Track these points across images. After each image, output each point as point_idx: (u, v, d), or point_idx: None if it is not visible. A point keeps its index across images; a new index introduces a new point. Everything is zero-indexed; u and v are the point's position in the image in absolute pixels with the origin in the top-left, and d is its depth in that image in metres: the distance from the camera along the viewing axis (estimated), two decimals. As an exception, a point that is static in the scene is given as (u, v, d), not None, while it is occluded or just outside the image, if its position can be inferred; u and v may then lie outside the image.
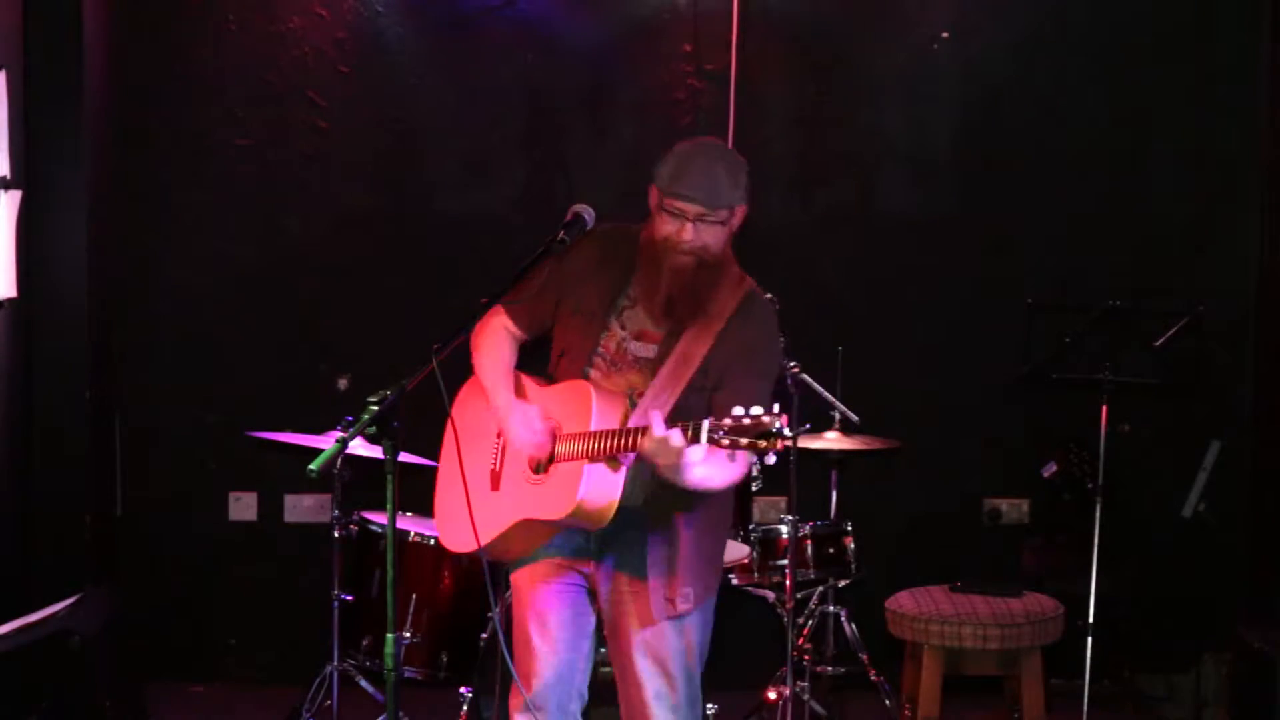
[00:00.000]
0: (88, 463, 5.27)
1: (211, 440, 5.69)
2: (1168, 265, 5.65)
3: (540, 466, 3.44)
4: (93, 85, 5.22)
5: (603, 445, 3.28)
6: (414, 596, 4.62)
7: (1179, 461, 5.63)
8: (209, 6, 5.62)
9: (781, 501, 5.32)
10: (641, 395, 3.41)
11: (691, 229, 3.38)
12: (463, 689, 4.54)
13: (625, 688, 3.55)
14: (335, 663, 4.77)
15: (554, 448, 3.41)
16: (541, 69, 5.66)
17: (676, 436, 3.13)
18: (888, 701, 5.01)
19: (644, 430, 3.19)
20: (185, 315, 5.70)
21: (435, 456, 4.73)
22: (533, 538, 3.50)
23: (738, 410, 3.06)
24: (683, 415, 3.26)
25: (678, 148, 3.47)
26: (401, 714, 3.37)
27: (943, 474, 5.69)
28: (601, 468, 3.30)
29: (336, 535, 4.79)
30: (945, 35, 5.64)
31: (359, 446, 4.46)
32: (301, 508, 5.71)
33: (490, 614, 4.45)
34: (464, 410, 3.67)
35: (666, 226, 3.40)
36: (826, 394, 4.88)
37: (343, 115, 5.65)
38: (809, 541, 4.93)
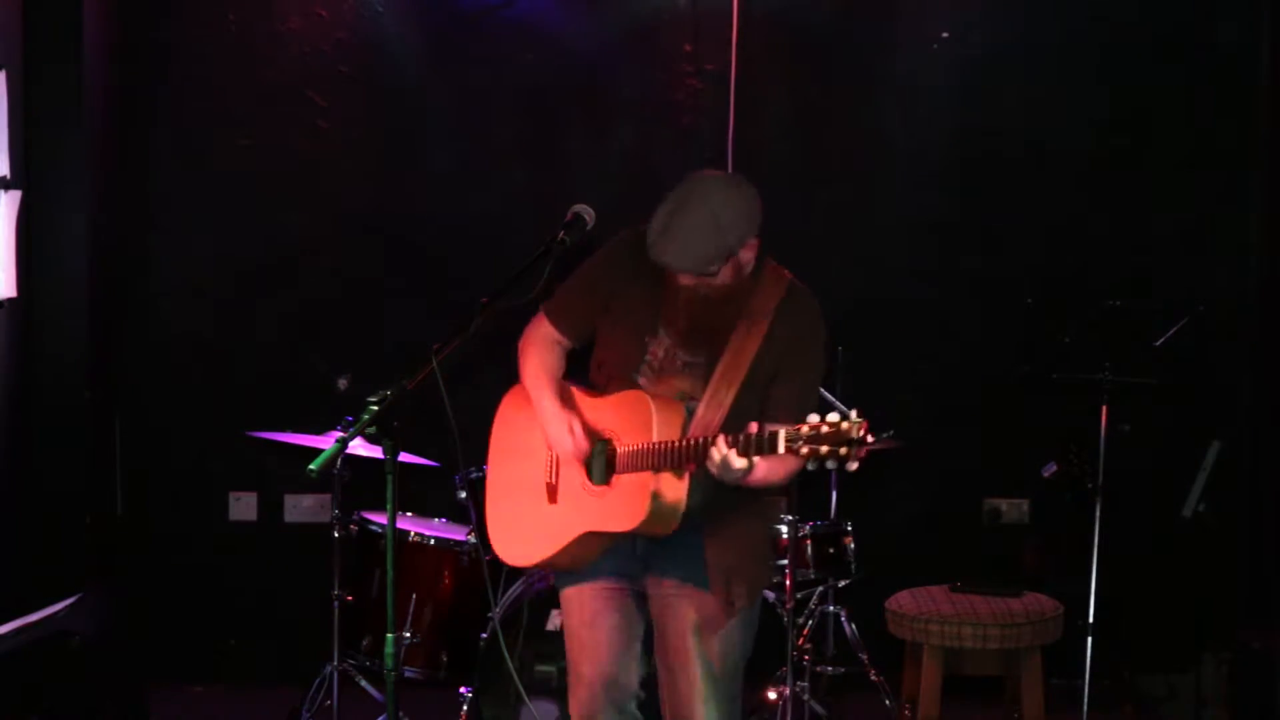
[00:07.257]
0: (88, 463, 5.27)
1: (211, 440, 5.69)
2: (1168, 265, 5.65)
3: (601, 477, 3.42)
4: (93, 85, 5.22)
5: (668, 458, 3.26)
6: (414, 596, 4.62)
7: (1179, 461, 5.62)
8: (209, 6, 5.62)
9: (781, 501, 5.31)
10: (694, 400, 3.38)
11: (691, 278, 3.34)
12: (463, 689, 4.54)
13: (674, 689, 3.48)
14: (335, 663, 4.78)
15: (616, 460, 3.38)
16: (541, 69, 5.65)
17: (735, 459, 3.12)
18: (888, 701, 5.01)
19: (709, 441, 3.17)
20: (185, 315, 5.70)
21: (436, 457, 4.75)
22: (590, 550, 3.48)
23: (814, 417, 2.99)
24: (740, 415, 3.26)
25: (672, 195, 3.31)
26: (401, 714, 3.37)
27: (943, 474, 5.69)
28: (668, 477, 3.30)
29: (336, 535, 4.79)
30: (945, 35, 5.64)
31: (359, 446, 4.46)
32: (301, 508, 5.71)
33: (490, 614, 4.46)
34: (513, 422, 3.63)
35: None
36: (827, 395, 4.88)
37: (343, 115, 5.65)
38: (809, 541, 4.92)
